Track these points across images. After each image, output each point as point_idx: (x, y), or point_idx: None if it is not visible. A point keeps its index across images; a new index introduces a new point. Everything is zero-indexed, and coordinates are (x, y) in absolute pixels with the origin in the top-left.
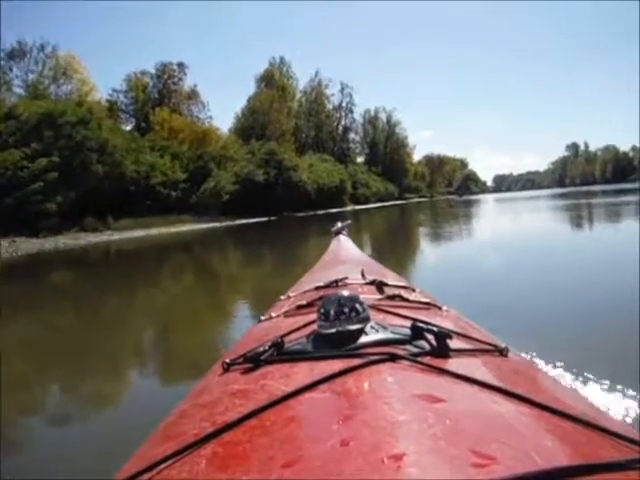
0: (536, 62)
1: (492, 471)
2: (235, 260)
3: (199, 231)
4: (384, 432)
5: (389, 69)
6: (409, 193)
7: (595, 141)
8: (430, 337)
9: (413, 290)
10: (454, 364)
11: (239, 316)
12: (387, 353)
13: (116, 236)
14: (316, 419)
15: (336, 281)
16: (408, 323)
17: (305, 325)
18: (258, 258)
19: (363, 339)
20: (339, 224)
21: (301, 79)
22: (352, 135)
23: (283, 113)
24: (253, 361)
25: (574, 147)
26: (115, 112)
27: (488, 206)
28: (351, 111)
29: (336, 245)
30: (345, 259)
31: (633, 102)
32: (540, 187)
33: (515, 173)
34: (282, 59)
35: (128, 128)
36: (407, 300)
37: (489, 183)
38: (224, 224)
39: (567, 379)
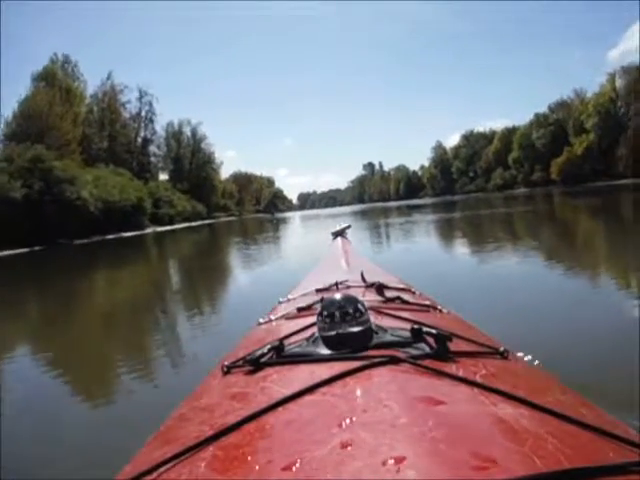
0: (326, 89)
1: (492, 474)
2: None
3: None
4: (384, 435)
5: (186, 84)
6: (218, 212)
7: (389, 161)
8: (430, 339)
9: (413, 292)
10: (454, 366)
11: None
12: (387, 356)
13: None
14: (316, 422)
15: (336, 284)
16: (408, 325)
17: (305, 328)
18: None
19: (363, 342)
20: (338, 227)
21: (92, 83)
22: (153, 148)
23: (67, 119)
24: (253, 364)
25: (370, 167)
26: None
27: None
28: (152, 121)
29: (336, 247)
30: (345, 262)
31: (418, 129)
32: (342, 204)
33: (318, 191)
34: (67, 57)
35: None
36: (407, 302)
37: (294, 201)
38: None
39: None
